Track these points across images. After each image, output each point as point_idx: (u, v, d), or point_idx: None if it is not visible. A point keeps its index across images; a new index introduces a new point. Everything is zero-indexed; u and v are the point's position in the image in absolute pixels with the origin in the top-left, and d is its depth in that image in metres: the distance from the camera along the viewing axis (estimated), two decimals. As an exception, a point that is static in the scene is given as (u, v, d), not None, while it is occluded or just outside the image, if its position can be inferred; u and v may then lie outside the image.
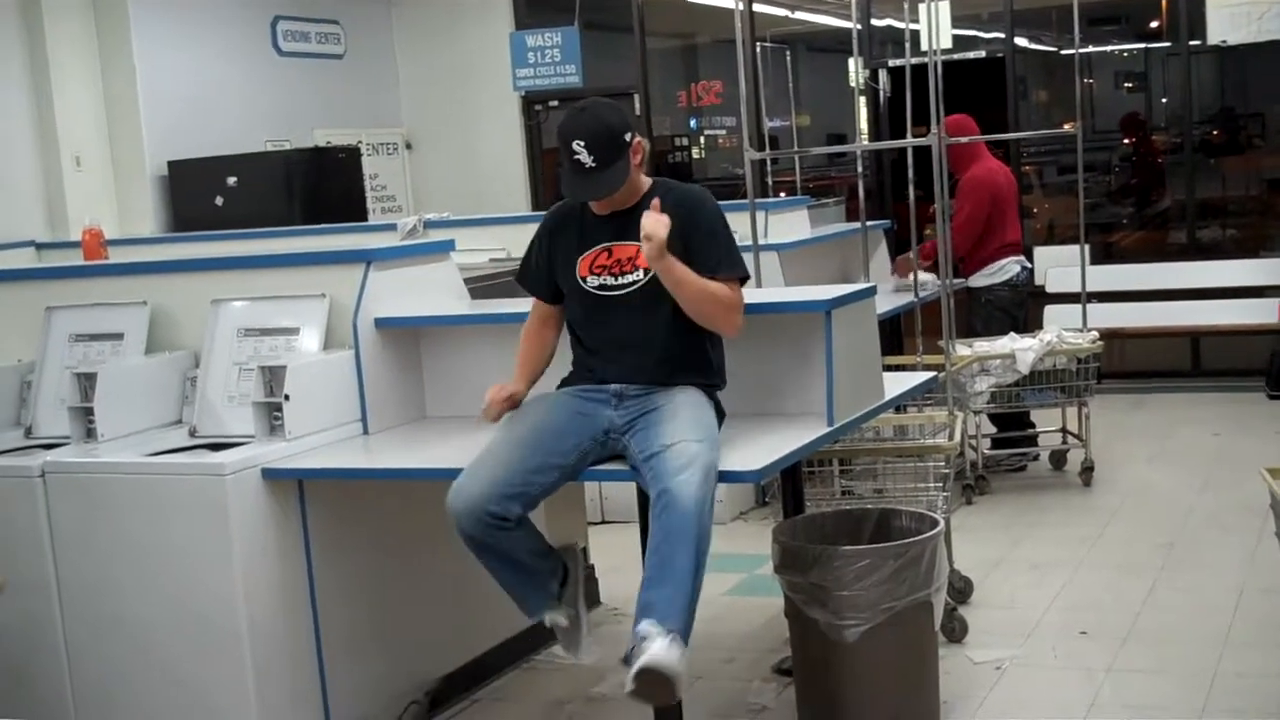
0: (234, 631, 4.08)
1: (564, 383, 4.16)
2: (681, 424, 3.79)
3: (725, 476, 3.81)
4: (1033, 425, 7.63)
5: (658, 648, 3.52)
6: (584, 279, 4.02)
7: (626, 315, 4.01)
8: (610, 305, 4.01)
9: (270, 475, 4.14)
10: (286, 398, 4.29)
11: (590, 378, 4.05)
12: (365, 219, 9.61)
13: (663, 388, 3.96)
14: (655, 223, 3.79)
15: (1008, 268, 7.61)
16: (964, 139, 7.29)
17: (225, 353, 4.67)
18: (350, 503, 4.40)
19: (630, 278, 3.99)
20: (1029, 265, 7.86)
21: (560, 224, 4.12)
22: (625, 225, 3.98)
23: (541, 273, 4.16)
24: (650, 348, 3.99)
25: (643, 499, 3.87)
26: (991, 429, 7.62)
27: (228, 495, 4.04)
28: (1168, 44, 10.76)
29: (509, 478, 3.81)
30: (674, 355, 4.00)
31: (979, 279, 7.57)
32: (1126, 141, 11.59)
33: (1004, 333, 7.39)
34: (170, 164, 9.18)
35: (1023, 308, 7.88)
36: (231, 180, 9.02)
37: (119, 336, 4.90)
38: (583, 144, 3.87)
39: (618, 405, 3.95)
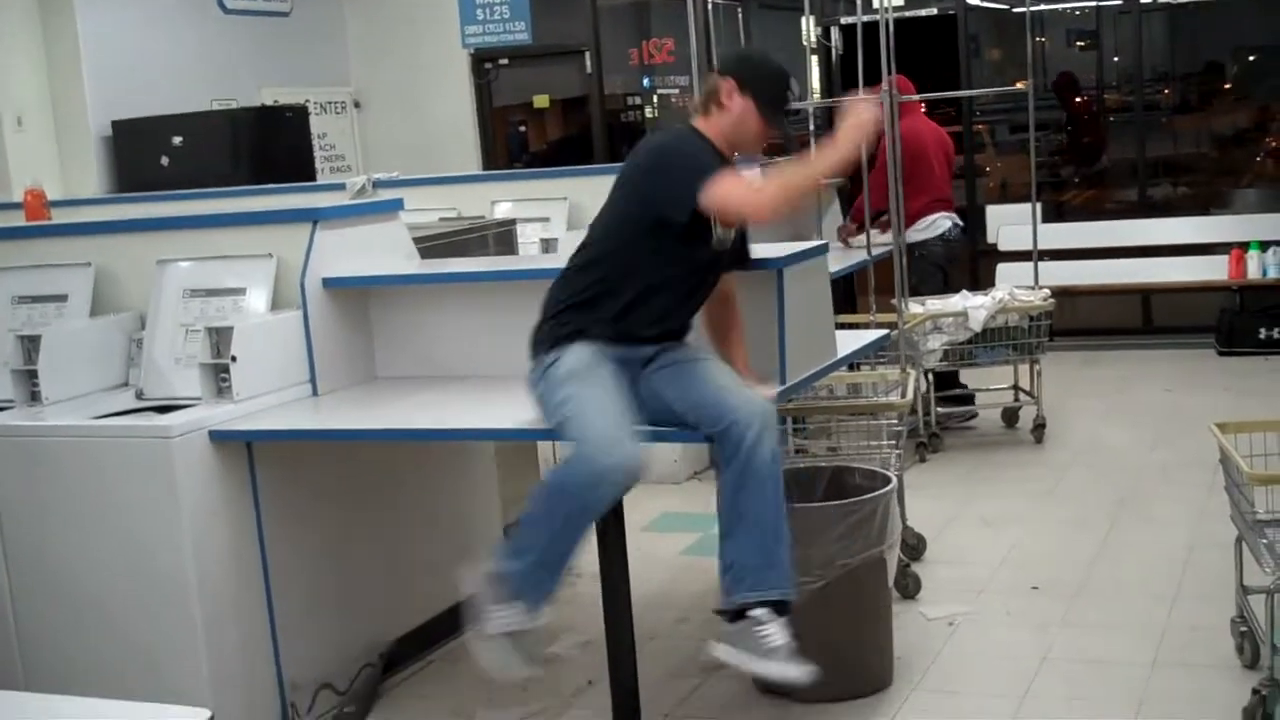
0: (184, 596, 4.04)
1: (588, 329, 3.85)
2: (725, 372, 3.84)
3: (679, 436, 3.82)
4: (964, 385, 7.67)
5: (783, 651, 3.65)
6: (715, 223, 3.84)
7: (713, 268, 3.96)
8: (715, 257, 3.92)
9: (218, 437, 4.09)
10: (234, 359, 4.24)
11: (628, 337, 3.86)
12: (313, 179, 9.50)
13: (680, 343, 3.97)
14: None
15: (939, 223, 7.65)
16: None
17: (171, 314, 4.61)
18: (300, 465, 4.36)
19: (731, 233, 3.90)
20: (960, 222, 7.87)
21: (706, 149, 3.89)
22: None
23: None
24: (697, 307, 4.01)
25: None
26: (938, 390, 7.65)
27: (175, 458, 4.00)
28: (1119, 1, 10.77)
29: (634, 436, 3.69)
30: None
31: (911, 234, 7.55)
32: (1078, 100, 11.61)
33: (938, 288, 7.41)
34: (114, 124, 9.05)
35: (954, 263, 7.93)
36: (177, 140, 8.89)
37: (63, 298, 4.84)
38: (796, 84, 3.95)
39: (643, 365, 3.88)
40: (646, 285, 3.84)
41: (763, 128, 3.91)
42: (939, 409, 7.32)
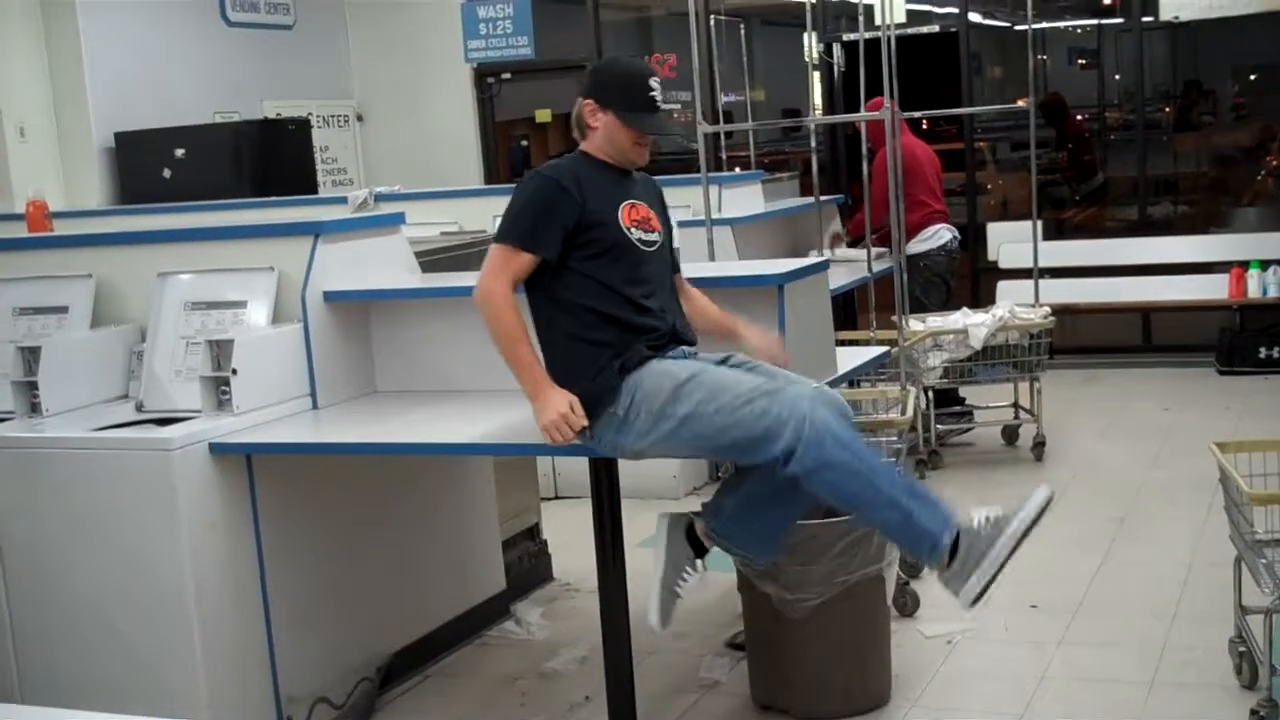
0: (182, 608, 4.04)
1: (638, 359, 3.75)
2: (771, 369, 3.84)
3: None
4: (963, 400, 7.68)
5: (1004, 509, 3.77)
6: (628, 228, 3.83)
7: (659, 271, 3.91)
8: (649, 260, 3.87)
9: (218, 450, 4.09)
10: (234, 372, 4.24)
11: (658, 341, 3.80)
12: (315, 191, 9.51)
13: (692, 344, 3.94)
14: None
15: (940, 233, 7.67)
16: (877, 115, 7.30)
17: (172, 326, 4.61)
18: (299, 478, 4.36)
19: (654, 235, 3.89)
20: (958, 234, 7.89)
21: (582, 175, 3.83)
22: (629, 183, 3.92)
23: (561, 229, 3.75)
24: (676, 302, 3.98)
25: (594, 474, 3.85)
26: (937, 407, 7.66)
27: (175, 470, 4.00)
28: (1121, 20, 10.79)
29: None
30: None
31: (914, 245, 7.58)
32: (1054, 127, 11.59)
33: (942, 299, 7.43)
34: (117, 135, 9.06)
35: (955, 274, 7.94)
36: (179, 152, 8.91)
37: (64, 310, 4.85)
38: (658, 83, 3.87)
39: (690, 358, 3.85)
40: (619, 318, 3.78)
41: (633, 135, 3.86)
42: (937, 425, 7.33)
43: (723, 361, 3.83)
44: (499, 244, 3.79)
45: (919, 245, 7.59)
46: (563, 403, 3.69)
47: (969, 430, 7.67)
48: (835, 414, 3.61)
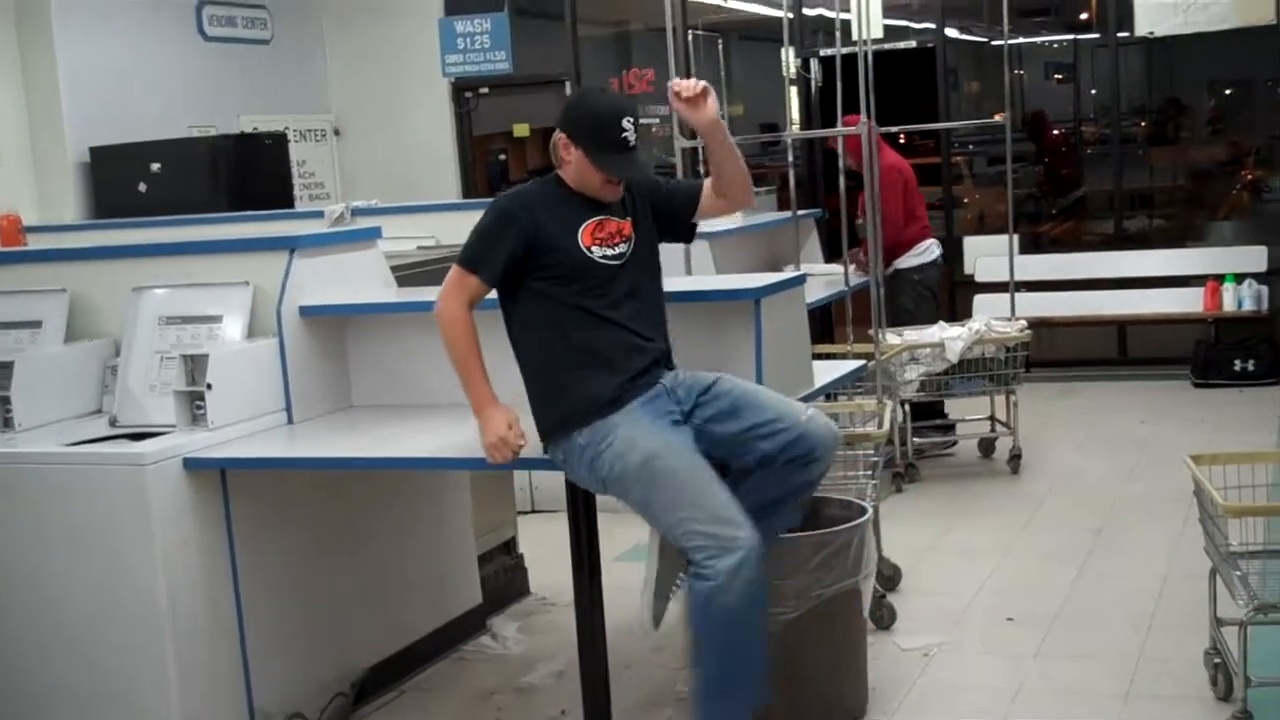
0: (156, 623, 4.01)
1: (609, 398, 3.74)
2: (772, 396, 3.87)
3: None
4: (945, 415, 7.70)
5: None
6: (589, 249, 3.81)
7: (633, 283, 3.88)
8: (619, 275, 3.84)
9: (192, 465, 4.08)
10: (209, 387, 4.23)
11: (639, 377, 3.78)
12: (292, 206, 9.49)
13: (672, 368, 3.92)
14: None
15: (931, 248, 7.77)
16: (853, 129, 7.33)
17: (146, 341, 4.59)
18: (274, 493, 4.34)
19: (621, 246, 3.86)
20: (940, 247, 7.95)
21: (542, 202, 3.86)
22: (599, 203, 3.89)
23: (509, 255, 3.78)
24: (657, 308, 3.94)
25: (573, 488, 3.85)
26: (919, 420, 7.67)
27: (149, 485, 3.98)
28: (1097, 35, 10.85)
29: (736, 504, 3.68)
30: (665, 315, 3.99)
31: (908, 260, 7.65)
32: (1053, 132, 11.68)
33: (933, 311, 7.46)
34: (92, 150, 9.03)
35: (943, 288, 7.99)
36: (155, 166, 8.87)
37: (37, 324, 4.82)
38: (631, 122, 3.84)
39: (673, 399, 3.80)
40: (594, 339, 3.77)
41: (601, 175, 3.83)
42: (916, 439, 7.34)
43: (708, 389, 3.82)
44: (456, 265, 3.87)
45: (913, 260, 7.66)
46: (501, 424, 3.74)
47: (953, 444, 7.68)
48: (751, 593, 3.58)
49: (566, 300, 3.78)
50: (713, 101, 3.92)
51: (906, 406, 7.19)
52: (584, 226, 3.82)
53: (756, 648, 3.68)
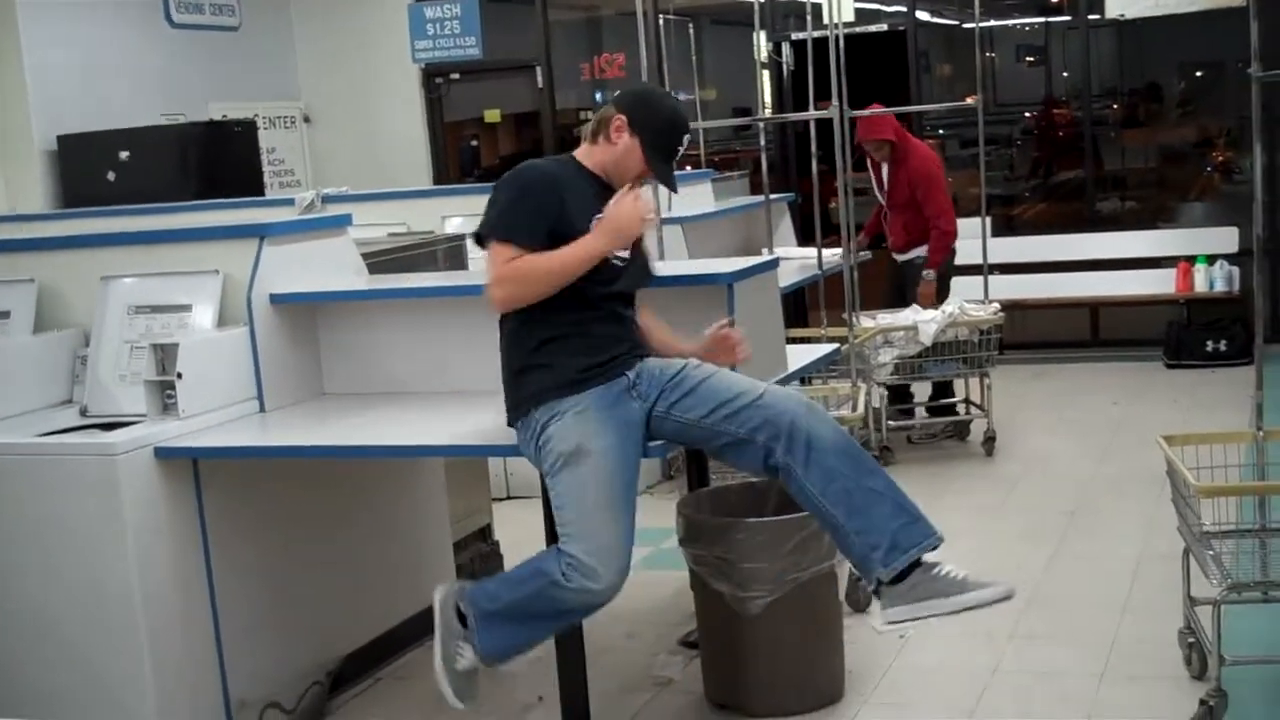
0: (129, 613, 3.99)
1: (570, 378, 3.73)
2: (734, 377, 3.83)
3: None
4: (912, 396, 7.74)
5: (971, 578, 3.70)
6: None
7: (626, 283, 3.89)
8: (620, 275, 3.85)
9: (164, 455, 4.05)
10: (179, 376, 4.20)
11: (608, 364, 3.77)
12: (262, 194, 9.43)
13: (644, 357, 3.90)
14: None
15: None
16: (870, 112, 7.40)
17: (116, 330, 4.57)
18: (247, 482, 4.32)
19: (624, 254, 3.86)
20: None
21: (567, 182, 3.82)
22: (608, 197, 3.86)
23: (547, 221, 3.71)
24: (633, 320, 3.96)
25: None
26: (900, 403, 7.70)
27: (120, 475, 3.95)
28: (1068, 18, 10.86)
29: (630, 546, 3.70)
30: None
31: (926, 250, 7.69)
32: (1052, 112, 11.69)
33: (946, 297, 7.51)
34: (59, 138, 8.95)
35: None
36: (124, 155, 8.81)
37: (5, 315, 4.80)
38: (687, 140, 3.91)
39: (634, 394, 3.79)
40: (578, 320, 3.76)
41: (644, 170, 3.86)
42: (923, 419, 7.42)
43: (678, 373, 3.82)
44: (494, 242, 3.70)
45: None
46: (612, 214, 3.71)
47: (952, 426, 7.67)
48: (579, 607, 3.65)
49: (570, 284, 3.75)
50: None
51: (885, 389, 7.20)
52: (597, 218, 3.79)
53: (539, 634, 3.78)
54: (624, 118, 3.83)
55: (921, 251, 7.65)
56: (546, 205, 3.73)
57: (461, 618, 3.81)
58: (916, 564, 3.65)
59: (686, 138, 3.90)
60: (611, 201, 3.74)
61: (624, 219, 3.72)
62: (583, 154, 3.90)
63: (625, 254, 3.86)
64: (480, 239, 3.78)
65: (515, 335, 3.82)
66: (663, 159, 3.86)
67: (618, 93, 4.04)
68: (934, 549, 3.68)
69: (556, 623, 3.75)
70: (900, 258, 7.77)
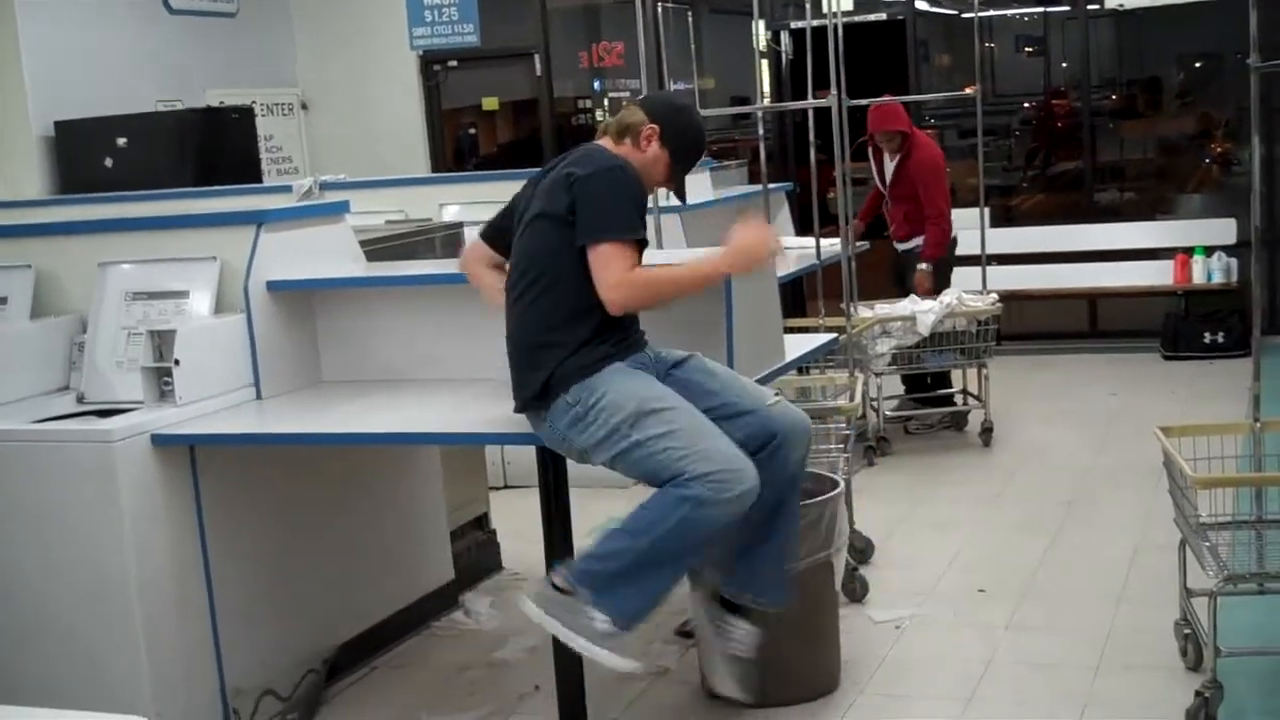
0: (125, 601, 3.99)
1: (594, 359, 3.69)
2: (741, 381, 3.90)
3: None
4: (927, 383, 7.74)
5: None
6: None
7: None
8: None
9: (160, 442, 4.05)
10: (176, 362, 4.19)
11: (624, 344, 3.77)
12: (260, 181, 9.41)
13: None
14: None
15: (952, 229, 7.77)
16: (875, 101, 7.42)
17: (113, 317, 4.56)
18: (244, 469, 4.31)
19: None
20: None
21: None
22: None
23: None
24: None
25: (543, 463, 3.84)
26: (916, 392, 7.70)
27: (117, 462, 3.95)
28: (1067, 8, 10.84)
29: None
30: None
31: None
32: (1054, 103, 11.68)
33: (947, 285, 7.51)
34: (57, 124, 8.92)
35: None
36: (121, 141, 8.78)
37: (2, 301, 4.80)
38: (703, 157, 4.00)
39: (652, 367, 3.83)
40: (597, 301, 3.70)
41: (666, 180, 3.92)
42: (917, 411, 7.40)
43: (680, 364, 3.83)
44: (612, 242, 3.63)
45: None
46: (740, 240, 3.75)
47: (949, 416, 7.66)
48: (730, 517, 3.57)
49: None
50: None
51: (881, 380, 7.20)
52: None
53: (672, 576, 3.67)
54: (656, 128, 3.85)
55: (922, 241, 7.65)
56: (643, 200, 3.77)
57: (726, 605, 3.89)
58: (741, 607, 3.90)
59: (704, 154, 4.02)
60: (740, 226, 3.76)
61: (754, 246, 3.78)
62: (611, 151, 3.87)
63: None
64: (596, 238, 3.64)
65: (530, 312, 3.75)
66: (684, 172, 3.95)
67: (646, 97, 4.07)
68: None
69: (687, 560, 3.65)
70: (901, 247, 7.77)
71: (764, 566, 3.88)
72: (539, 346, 3.72)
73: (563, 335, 3.70)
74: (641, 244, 3.71)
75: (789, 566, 3.94)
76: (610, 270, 3.62)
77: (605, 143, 3.90)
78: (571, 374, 3.67)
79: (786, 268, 6.82)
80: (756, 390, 3.88)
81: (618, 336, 3.76)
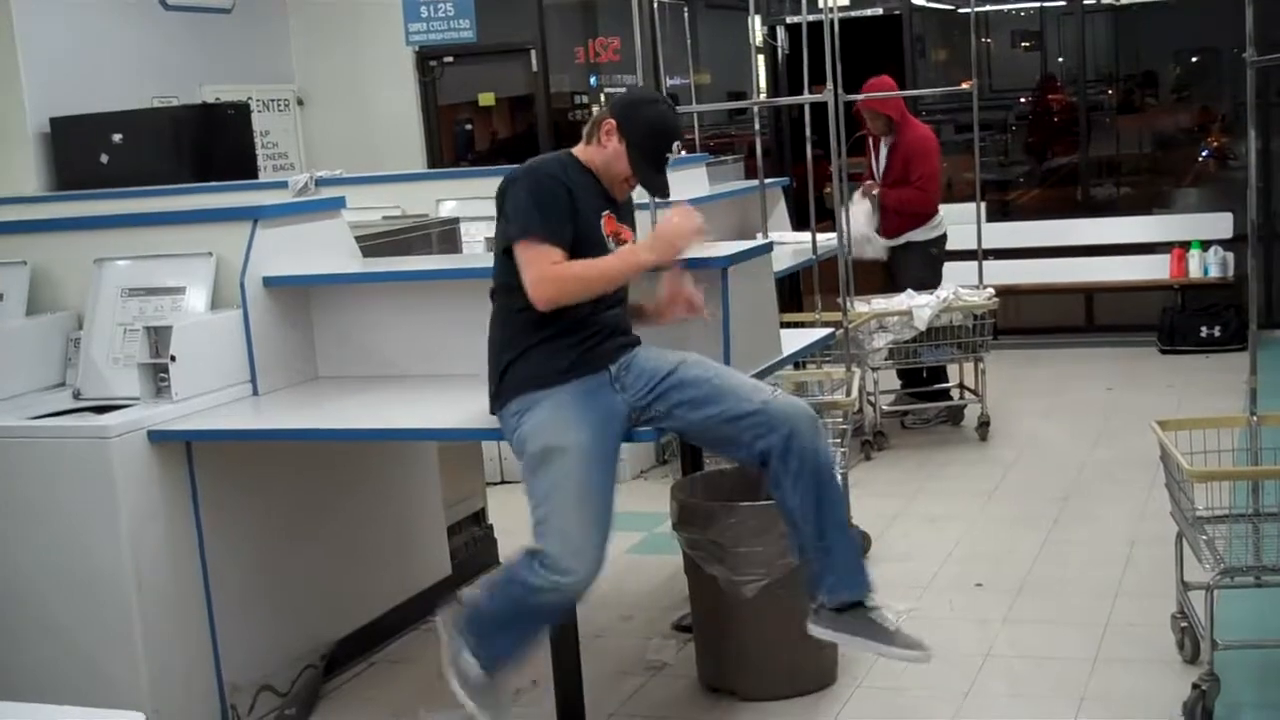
0: (123, 597, 3.99)
1: (549, 372, 3.75)
2: (738, 379, 3.87)
3: (626, 436, 3.81)
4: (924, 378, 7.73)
5: (902, 632, 3.81)
6: (607, 238, 3.87)
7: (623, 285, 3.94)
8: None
9: (157, 438, 4.05)
10: (173, 358, 4.20)
11: (590, 357, 3.79)
12: (256, 177, 9.41)
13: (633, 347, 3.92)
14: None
15: (943, 222, 7.83)
16: (879, 95, 7.44)
17: (109, 313, 4.56)
18: (240, 465, 4.31)
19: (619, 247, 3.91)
20: None
21: (572, 178, 3.84)
22: (606, 196, 3.92)
23: (569, 220, 3.75)
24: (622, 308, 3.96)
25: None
26: (911, 387, 7.69)
27: (113, 458, 3.95)
28: (1063, 2, 10.84)
29: (605, 540, 3.65)
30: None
31: (921, 233, 7.72)
32: (1051, 97, 11.69)
33: (939, 277, 7.49)
34: (53, 121, 8.91)
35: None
36: (117, 137, 8.78)
37: (-1, 297, 4.77)
38: (678, 146, 3.95)
39: (617, 386, 3.80)
40: (565, 312, 3.75)
41: (630, 175, 3.88)
42: (916, 405, 7.39)
43: (671, 373, 3.82)
44: (528, 241, 3.69)
45: (929, 232, 7.74)
46: (663, 227, 3.75)
47: (944, 411, 7.65)
48: (552, 609, 3.64)
49: None
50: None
51: (879, 374, 7.20)
52: (602, 217, 3.85)
53: (529, 635, 3.73)
54: (614, 122, 3.87)
55: (912, 235, 7.65)
56: (562, 201, 3.75)
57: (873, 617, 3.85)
58: (860, 603, 3.78)
59: (677, 143, 3.94)
60: (664, 215, 3.76)
61: (675, 233, 3.78)
62: (579, 152, 3.94)
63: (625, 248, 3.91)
64: (508, 246, 3.75)
65: (500, 314, 3.86)
66: (649, 165, 3.88)
67: (615, 96, 4.05)
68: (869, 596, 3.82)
69: (541, 622, 3.73)
70: (891, 243, 7.75)
71: (840, 560, 3.78)
72: (498, 350, 3.83)
73: (516, 338, 3.78)
74: (565, 241, 3.71)
75: (860, 556, 3.93)
76: (530, 269, 3.70)
77: (578, 147, 3.95)
78: (522, 382, 3.75)
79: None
80: (754, 387, 3.86)
81: (580, 343, 3.77)
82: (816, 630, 3.82)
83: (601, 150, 3.88)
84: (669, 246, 3.79)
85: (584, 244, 3.77)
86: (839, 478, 3.87)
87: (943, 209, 9.68)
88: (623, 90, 3.98)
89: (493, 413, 3.84)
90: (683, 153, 4.02)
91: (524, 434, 3.70)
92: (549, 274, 3.68)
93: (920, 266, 7.67)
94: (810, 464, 3.73)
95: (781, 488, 3.74)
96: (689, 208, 3.83)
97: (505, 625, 3.70)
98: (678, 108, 4.22)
